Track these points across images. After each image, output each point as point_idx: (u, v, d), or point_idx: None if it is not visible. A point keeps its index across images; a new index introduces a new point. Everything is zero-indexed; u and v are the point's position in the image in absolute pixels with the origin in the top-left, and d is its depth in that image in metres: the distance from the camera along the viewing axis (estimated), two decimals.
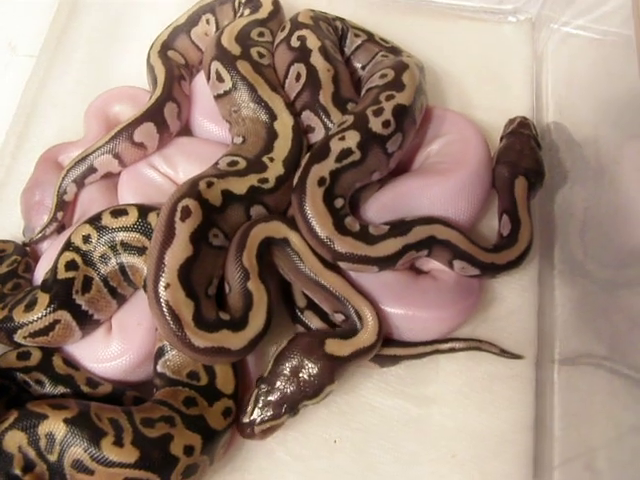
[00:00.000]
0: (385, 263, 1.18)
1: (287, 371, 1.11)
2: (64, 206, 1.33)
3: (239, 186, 1.18)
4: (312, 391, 1.11)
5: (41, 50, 1.64)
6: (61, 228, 1.34)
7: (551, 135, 1.48)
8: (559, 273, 1.34)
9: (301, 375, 1.10)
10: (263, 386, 1.11)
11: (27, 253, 1.32)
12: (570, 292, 1.31)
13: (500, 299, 1.33)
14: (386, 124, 1.20)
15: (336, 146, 1.18)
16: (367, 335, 1.14)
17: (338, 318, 1.19)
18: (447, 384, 1.27)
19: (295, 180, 1.18)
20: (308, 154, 1.20)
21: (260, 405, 1.10)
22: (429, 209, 1.26)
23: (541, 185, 1.34)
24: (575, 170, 1.39)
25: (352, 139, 1.19)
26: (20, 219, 1.38)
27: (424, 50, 1.58)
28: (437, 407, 1.25)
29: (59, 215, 1.32)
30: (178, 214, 1.10)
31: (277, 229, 1.18)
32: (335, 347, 1.12)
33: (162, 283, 1.06)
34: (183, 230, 1.09)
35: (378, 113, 1.21)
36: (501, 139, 1.41)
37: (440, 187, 1.26)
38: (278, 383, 1.10)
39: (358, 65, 1.47)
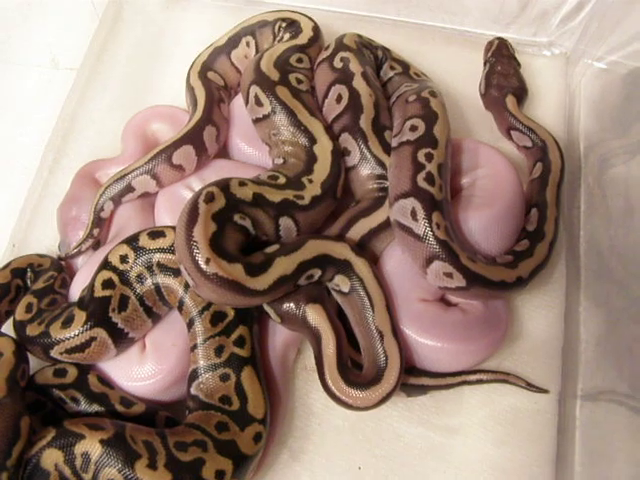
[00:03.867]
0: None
1: (298, 295, 1.17)
2: (100, 223, 1.35)
3: (273, 195, 1.20)
4: (278, 309, 1.18)
5: (81, 66, 1.65)
6: (96, 244, 1.35)
7: (580, 170, 1.49)
8: (584, 310, 1.35)
9: (291, 307, 1.17)
10: None
11: (63, 269, 1.33)
12: (595, 329, 1.32)
13: (526, 334, 1.34)
14: (440, 188, 1.21)
15: (438, 232, 1.17)
16: (370, 396, 1.14)
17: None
18: (471, 415, 1.28)
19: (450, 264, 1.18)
20: (440, 248, 1.17)
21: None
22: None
23: (526, 97, 1.48)
24: (603, 207, 1.40)
25: (439, 218, 1.18)
26: (56, 233, 1.39)
27: (457, 80, 1.60)
28: (460, 438, 1.26)
29: (95, 232, 1.34)
30: (202, 197, 1.12)
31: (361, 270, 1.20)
32: (330, 377, 1.14)
33: (201, 260, 1.05)
34: (205, 210, 1.10)
35: (431, 181, 1.20)
36: (485, 63, 1.51)
37: (474, 222, 1.27)
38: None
39: (388, 95, 1.47)
